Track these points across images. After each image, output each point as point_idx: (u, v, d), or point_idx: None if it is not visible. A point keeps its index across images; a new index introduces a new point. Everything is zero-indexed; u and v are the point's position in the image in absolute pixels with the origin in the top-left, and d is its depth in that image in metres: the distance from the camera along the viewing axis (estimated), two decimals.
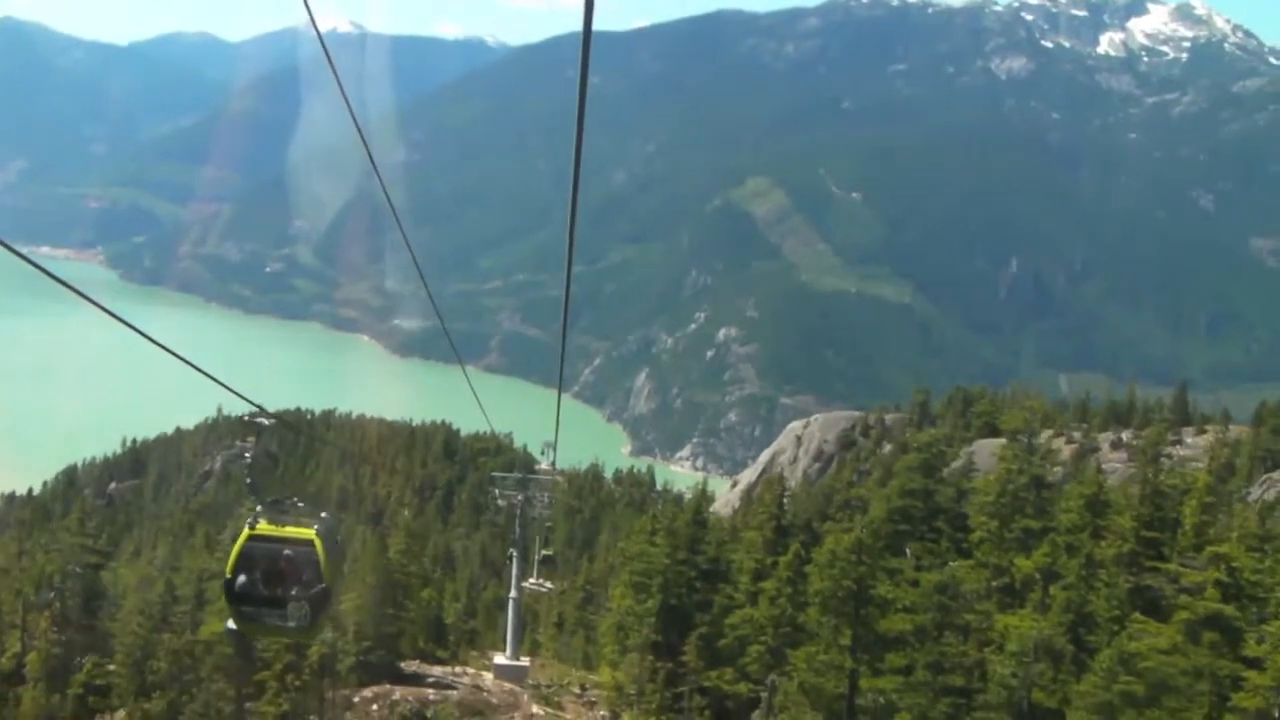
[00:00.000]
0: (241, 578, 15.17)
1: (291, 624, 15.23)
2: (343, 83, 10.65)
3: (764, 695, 46.11)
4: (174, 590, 57.29)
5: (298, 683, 50.77)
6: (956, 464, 71.60)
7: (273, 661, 50.46)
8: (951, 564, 44.19)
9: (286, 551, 15.03)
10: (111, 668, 55.44)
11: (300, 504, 15.81)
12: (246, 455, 18.11)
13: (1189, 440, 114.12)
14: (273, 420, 14.63)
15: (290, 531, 15.17)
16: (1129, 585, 36.96)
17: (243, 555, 15.22)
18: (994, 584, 44.41)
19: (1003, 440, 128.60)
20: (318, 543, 14.99)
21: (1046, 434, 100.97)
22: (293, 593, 15.01)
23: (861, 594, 40.30)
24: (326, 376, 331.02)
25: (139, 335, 9.81)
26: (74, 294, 9.00)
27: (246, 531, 15.36)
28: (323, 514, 15.65)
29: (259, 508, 15.62)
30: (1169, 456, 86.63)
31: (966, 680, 36.52)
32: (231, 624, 15.74)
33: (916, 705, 36.07)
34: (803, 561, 46.76)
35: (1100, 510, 42.06)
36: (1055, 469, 56.41)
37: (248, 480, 16.53)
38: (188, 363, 10.56)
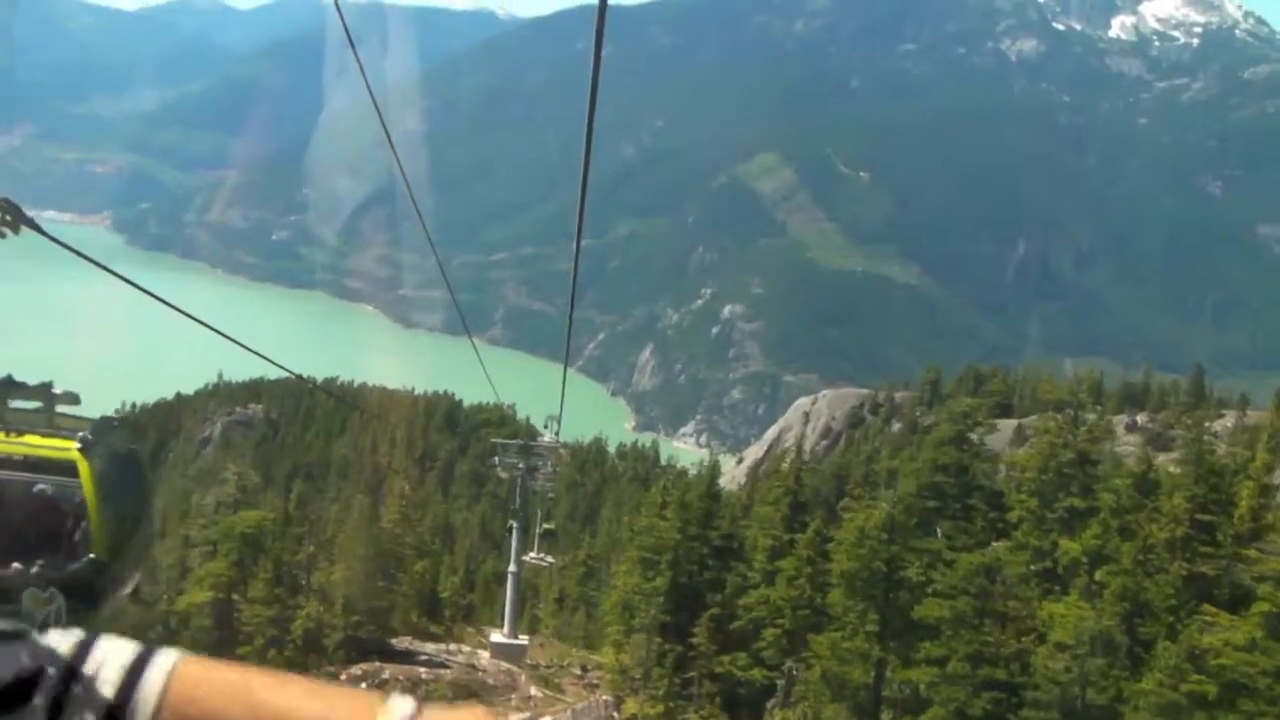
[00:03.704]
0: None
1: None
2: (356, 58, 10.01)
3: (780, 683, 43.39)
4: (147, 558, 54.42)
5: (280, 658, 48.08)
6: None
7: (254, 635, 47.70)
8: (995, 544, 41.24)
9: (40, 487, 5.77)
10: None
11: (59, 390, 6.61)
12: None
13: (1205, 424, 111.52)
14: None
15: (33, 444, 5.78)
16: (1184, 572, 34.00)
17: None
18: (1033, 567, 41.40)
19: (1015, 421, 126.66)
20: (84, 469, 5.55)
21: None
22: (34, 569, 5.71)
23: (892, 576, 37.48)
24: (330, 345, 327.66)
25: (155, 301, 8.60)
26: (75, 259, 7.76)
27: None
28: (105, 415, 6.59)
29: None
30: (1213, 435, 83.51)
31: (1008, 674, 33.56)
32: None
33: (954, 700, 33.17)
34: (824, 539, 43.99)
35: (1148, 490, 39.13)
36: (1105, 445, 53.02)
37: None
38: (200, 322, 9.37)
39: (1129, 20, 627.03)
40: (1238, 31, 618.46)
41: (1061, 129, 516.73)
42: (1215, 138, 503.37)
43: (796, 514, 51.27)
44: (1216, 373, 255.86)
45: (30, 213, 6.53)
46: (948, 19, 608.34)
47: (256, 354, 11.39)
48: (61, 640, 1.89)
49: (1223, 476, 37.61)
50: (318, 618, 49.76)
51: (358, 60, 9.93)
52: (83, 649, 1.91)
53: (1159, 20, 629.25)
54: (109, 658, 1.90)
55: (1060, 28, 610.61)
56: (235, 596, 49.71)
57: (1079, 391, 46.61)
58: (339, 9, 9.01)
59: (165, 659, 1.89)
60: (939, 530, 43.94)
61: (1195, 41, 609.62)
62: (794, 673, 42.07)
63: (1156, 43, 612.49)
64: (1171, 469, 50.16)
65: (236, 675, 1.84)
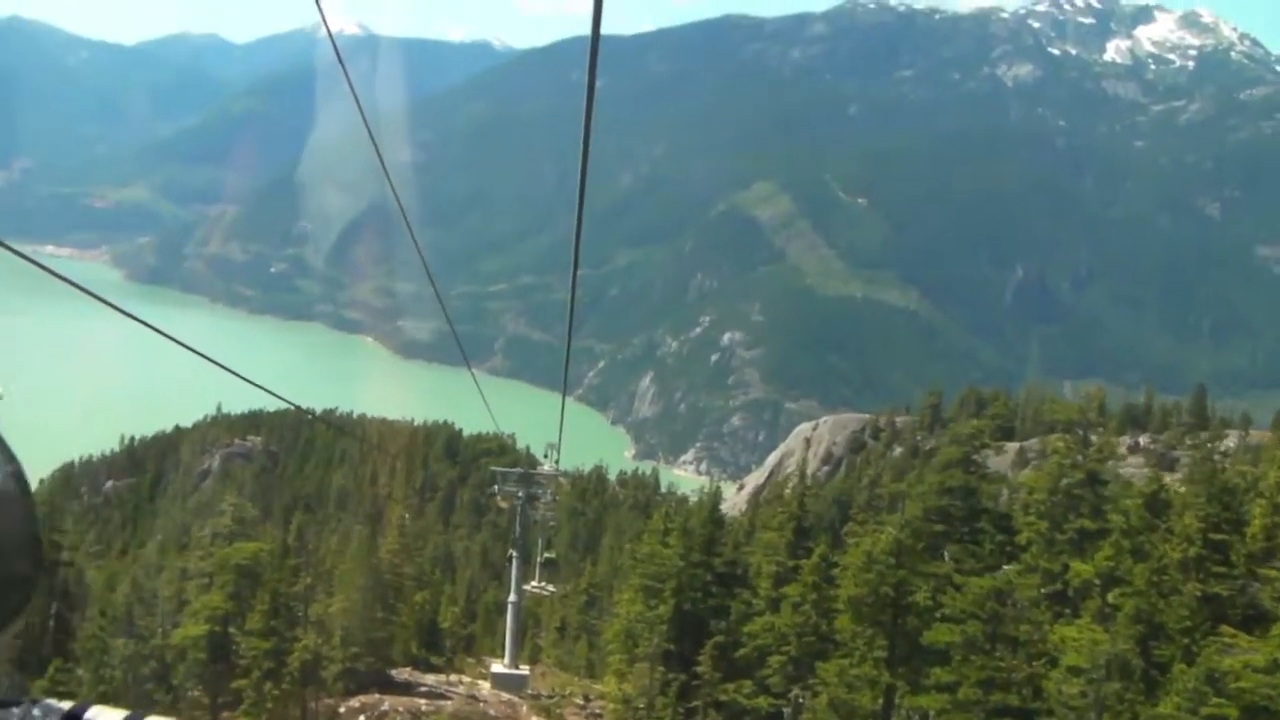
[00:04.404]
0: None
1: None
2: (349, 85, 10.08)
3: (786, 711, 42.61)
4: (140, 591, 53.64)
5: (277, 691, 47.23)
6: None
7: (250, 669, 46.85)
8: (1005, 567, 40.46)
9: None
10: (80, 673, 51.88)
11: None
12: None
13: (1209, 445, 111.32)
14: None
15: None
16: (1198, 593, 33.27)
17: None
18: (1044, 590, 40.62)
19: (1017, 444, 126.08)
20: None
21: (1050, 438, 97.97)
22: None
23: (900, 601, 36.69)
24: (329, 377, 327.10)
25: (154, 334, 8.69)
26: (73, 293, 8.09)
27: None
28: None
29: None
30: (1224, 454, 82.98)
31: (1021, 699, 32.76)
32: None
33: None
34: (829, 565, 43.23)
35: (1160, 510, 38.42)
36: (1109, 465, 52.21)
37: None
38: (209, 359, 9.60)
39: (1124, 44, 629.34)
40: (1233, 53, 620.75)
41: (1058, 153, 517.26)
42: (1212, 159, 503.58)
43: (800, 539, 50.56)
44: (1216, 393, 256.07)
45: (28, 248, 6.38)
46: (944, 45, 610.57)
47: (256, 385, 11.22)
48: (53, 708, 1.86)
49: (1234, 495, 36.94)
50: (315, 650, 48.91)
51: (352, 91, 9.83)
52: (73, 716, 1.89)
53: (1154, 43, 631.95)
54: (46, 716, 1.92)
55: (1056, 52, 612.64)
56: (232, 629, 48.96)
57: (1088, 411, 45.64)
58: (333, 40, 8.82)
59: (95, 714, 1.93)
60: (946, 554, 43.22)
61: (1191, 64, 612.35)
62: (800, 700, 41.29)
63: (1152, 66, 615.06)
64: (1178, 489, 49.45)
65: None
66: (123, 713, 1.79)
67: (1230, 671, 27.00)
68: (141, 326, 8.19)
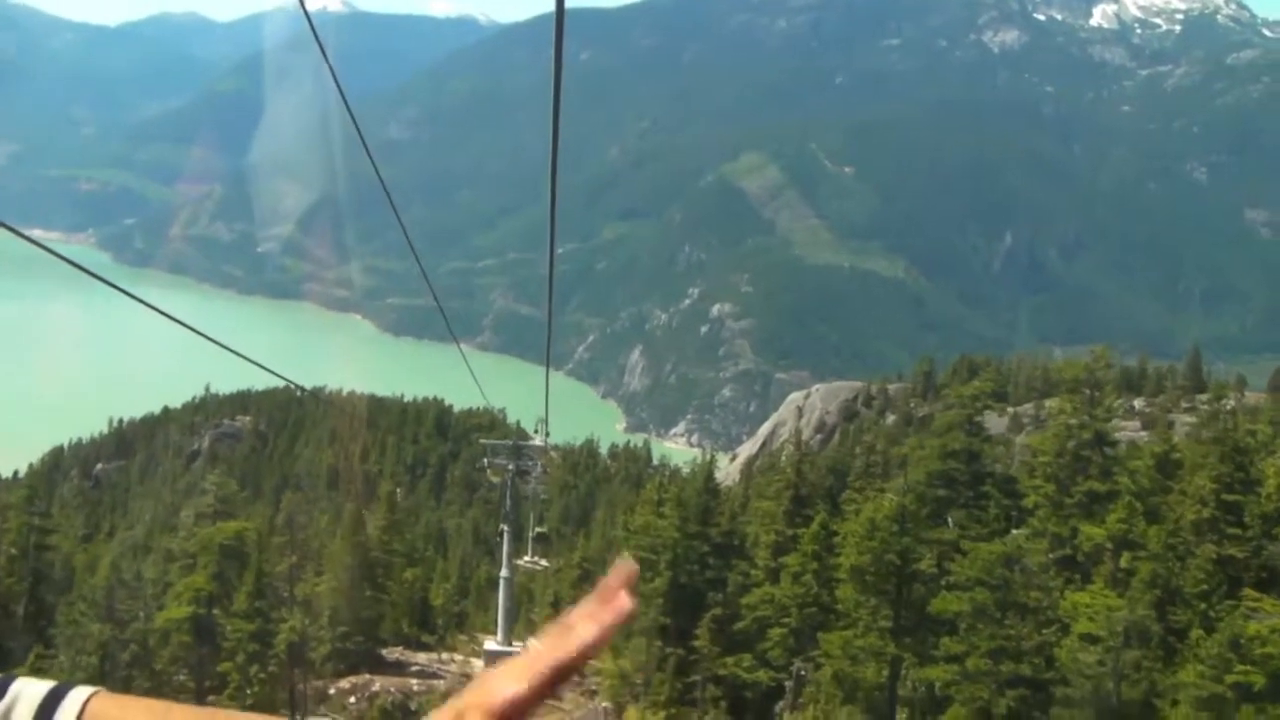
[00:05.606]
0: None
1: None
2: (333, 62, 9.53)
3: (788, 684, 41.51)
4: (121, 574, 52.26)
5: (263, 674, 46.01)
6: None
7: (235, 650, 45.62)
8: (1014, 532, 39.25)
9: None
10: (62, 659, 50.55)
11: None
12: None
13: (1202, 409, 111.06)
14: None
15: None
16: (1213, 555, 32.11)
17: None
18: (1052, 555, 39.36)
19: (1011, 410, 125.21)
20: None
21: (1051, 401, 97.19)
22: None
23: (904, 569, 35.51)
24: (319, 355, 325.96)
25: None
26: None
27: None
28: None
29: None
30: (1230, 413, 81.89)
31: (1033, 668, 31.61)
32: None
33: (978, 698, 31.24)
34: (829, 533, 42.02)
35: (1170, 471, 37.27)
36: (1113, 422, 50.82)
37: None
38: (204, 335, 9.77)
39: (1110, 9, 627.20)
40: (1219, 17, 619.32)
41: (1045, 120, 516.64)
42: (1200, 124, 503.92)
43: (798, 508, 49.40)
44: (1206, 358, 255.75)
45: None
46: (930, 13, 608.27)
47: (247, 359, 11.04)
48: None
49: (1247, 455, 35.79)
50: (302, 630, 47.70)
51: (330, 69, 9.36)
52: None
53: (1140, 8, 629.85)
54: (21, 696, 1.91)
55: (1041, 18, 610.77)
56: (216, 611, 47.73)
57: (1095, 369, 44.30)
58: (311, 23, 8.71)
59: (78, 694, 1.91)
60: (950, 520, 42.02)
61: (1177, 28, 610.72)
62: (802, 673, 40.22)
63: (1138, 30, 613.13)
64: (1186, 450, 48.33)
65: (151, 709, 1.87)
66: (49, 684, 1.86)
67: (1256, 637, 25.87)
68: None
